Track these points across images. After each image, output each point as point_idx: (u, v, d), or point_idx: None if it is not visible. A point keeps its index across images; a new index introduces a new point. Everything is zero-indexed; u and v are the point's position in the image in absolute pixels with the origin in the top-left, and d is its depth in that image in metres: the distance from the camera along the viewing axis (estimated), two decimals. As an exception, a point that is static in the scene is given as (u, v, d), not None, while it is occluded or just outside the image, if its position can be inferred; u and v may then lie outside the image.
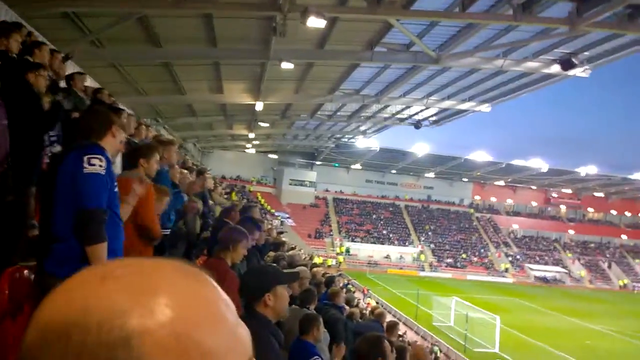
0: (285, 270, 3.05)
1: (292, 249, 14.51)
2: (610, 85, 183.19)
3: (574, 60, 14.19)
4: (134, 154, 3.67)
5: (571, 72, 15.19)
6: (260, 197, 58.15)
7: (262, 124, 29.22)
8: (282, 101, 22.99)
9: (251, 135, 35.18)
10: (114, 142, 2.75)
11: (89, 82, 9.19)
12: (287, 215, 57.59)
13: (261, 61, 15.50)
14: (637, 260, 64.33)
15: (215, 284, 0.48)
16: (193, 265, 0.50)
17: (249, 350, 0.47)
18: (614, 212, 71.24)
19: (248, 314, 2.55)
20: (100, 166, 2.49)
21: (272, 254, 9.22)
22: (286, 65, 15.27)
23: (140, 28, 12.39)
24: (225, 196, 16.72)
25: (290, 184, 63.55)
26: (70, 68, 8.23)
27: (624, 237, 69.05)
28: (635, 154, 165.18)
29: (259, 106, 21.28)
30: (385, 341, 3.73)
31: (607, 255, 65.26)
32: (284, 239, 16.72)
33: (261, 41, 13.90)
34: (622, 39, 13.68)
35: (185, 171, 6.94)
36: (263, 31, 13.14)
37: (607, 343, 28.76)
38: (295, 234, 51.02)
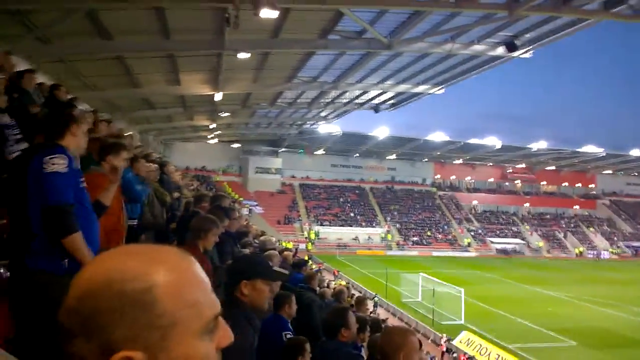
0: (276, 269, 3.05)
1: (262, 235, 14.77)
2: (553, 64, 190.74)
3: (516, 42, 14.99)
4: (101, 151, 3.75)
5: (515, 54, 16.00)
6: (227, 187, 57.91)
7: (223, 114, 29.13)
8: (242, 91, 23.01)
9: (213, 126, 34.95)
10: (74, 140, 2.90)
11: (42, 79, 9.14)
12: (255, 203, 57.64)
13: (217, 52, 15.54)
14: (590, 229, 67.92)
15: (196, 261, 0.79)
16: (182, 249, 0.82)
17: (219, 307, 0.77)
18: (566, 184, 74.81)
19: (227, 298, 2.55)
20: (61, 164, 2.64)
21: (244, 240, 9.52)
22: (242, 56, 15.41)
23: (88, 22, 12.23)
24: (191, 187, 16.77)
25: (256, 172, 63.46)
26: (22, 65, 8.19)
27: (576, 207, 72.72)
28: (581, 128, 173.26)
29: (219, 96, 21.27)
30: (350, 312, 4.03)
31: (563, 226, 68.62)
32: (254, 226, 16.96)
33: (215, 32, 13.95)
34: (560, 21, 14.44)
35: (151, 164, 6.96)
36: (216, 22, 13.21)
37: (567, 309, 30.15)
38: (264, 221, 51.25)
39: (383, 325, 6.72)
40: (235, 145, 60.93)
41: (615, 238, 66.30)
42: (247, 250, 7.63)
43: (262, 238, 10.65)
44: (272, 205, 59.51)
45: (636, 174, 74.67)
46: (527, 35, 15.17)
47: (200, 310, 0.70)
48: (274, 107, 28.83)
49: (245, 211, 43.81)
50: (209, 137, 46.98)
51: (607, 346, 22.79)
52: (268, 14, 11.42)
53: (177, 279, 0.69)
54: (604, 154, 60.89)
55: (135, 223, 5.10)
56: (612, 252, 62.29)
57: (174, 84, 19.57)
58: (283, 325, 4.09)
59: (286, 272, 5.33)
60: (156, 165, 7.43)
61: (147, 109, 24.71)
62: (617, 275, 45.91)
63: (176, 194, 8.62)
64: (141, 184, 5.34)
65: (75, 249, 2.62)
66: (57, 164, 2.65)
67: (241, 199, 55.45)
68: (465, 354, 20.86)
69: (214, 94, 20.95)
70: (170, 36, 13.86)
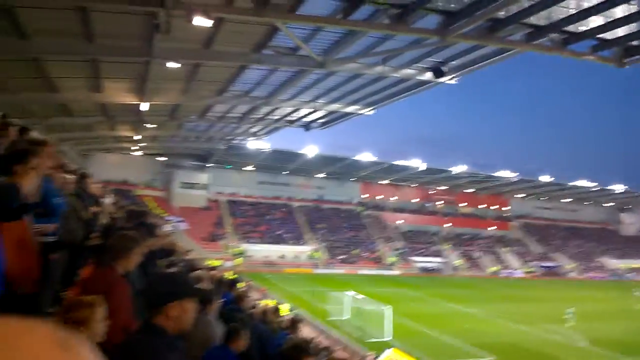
0: (197, 286, 2.81)
1: (188, 253, 14.02)
2: (477, 93, 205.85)
3: (443, 68, 15.75)
4: (6, 160, 3.15)
5: (442, 80, 16.80)
6: (149, 201, 55.10)
7: (148, 125, 27.79)
8: (170, 102, 22.11)
9: (137, 137, 33.24)
10: None
11: None
12: (180, 219, 55.27)
13: (144, 59, 14.80)
14: (503, 249, 72.65)
15: (90, 352, 0.44)
16: (65, 329, 0.45)
17: None
18: (482, 206, 79.82)
19: (144, 327, 2.34)
20: None
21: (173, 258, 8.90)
22: (172, 65, 14.81)
23: (2, 17, 11.12)
24: (112, 202, 15.62)
25: (182, 187, 61.18)
26: None
27: (491, 228, 77.60)
28: (498, 154, 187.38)
29: (144, 106, 20.25)
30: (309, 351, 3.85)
31: (479, 246, 72.81)
32: (179, 243, 16.09)
33: (143, 38, 13.28)
34: (485, 50, 15.41)
35: (68, 176, 6.31)
36: (145, 28, 12.57)
37: (482, 325, 31.54)
38: (189, 238, 49.26)
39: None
40: (160, 159, 58.42)
41: (527, 258, 71.35)
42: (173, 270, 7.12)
43: (189, 257, 10.08)
44: (198, 222, 57.41)
45: (544, 198, 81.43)
46: (454, 63, 16.02)
47: None
48: (204, 121, 28.02)
49: (169, 228, 41.80)
50: (132, 148, 44.64)
51: (522, 360, 24.08)
52: (201, 22, 11.08)
53: None
54: (517, 179, 65.76)
55: (50, 239, 4.50)
56: (524, 272, 66.77)
57: (96, 91, 18.36)
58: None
59: (209, 290, 4.95)
60: (74, 177, 6.77)
61: (64, 116, 22.93)
62: (528, 293, 49.16)
63: (95, 209, 7.96)
64: (58, 196, 4.77)
65: None
66: None
67: (165, 214, 52.97)
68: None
69: (139, 104, 19.92)
70: (93, 40, 12.98)
